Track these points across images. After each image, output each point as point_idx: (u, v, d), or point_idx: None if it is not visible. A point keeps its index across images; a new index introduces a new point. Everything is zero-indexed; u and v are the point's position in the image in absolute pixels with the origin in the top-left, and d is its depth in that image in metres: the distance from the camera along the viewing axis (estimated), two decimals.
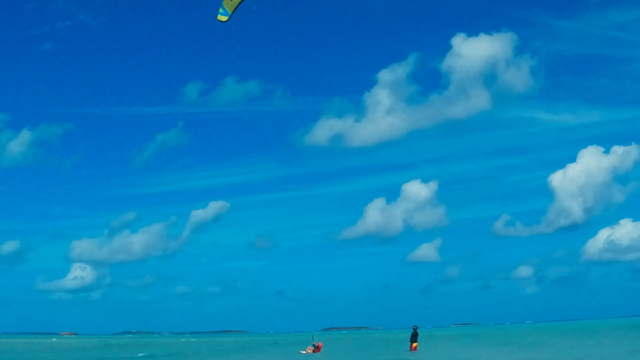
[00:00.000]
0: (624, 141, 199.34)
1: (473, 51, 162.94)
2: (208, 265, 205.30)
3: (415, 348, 49.50)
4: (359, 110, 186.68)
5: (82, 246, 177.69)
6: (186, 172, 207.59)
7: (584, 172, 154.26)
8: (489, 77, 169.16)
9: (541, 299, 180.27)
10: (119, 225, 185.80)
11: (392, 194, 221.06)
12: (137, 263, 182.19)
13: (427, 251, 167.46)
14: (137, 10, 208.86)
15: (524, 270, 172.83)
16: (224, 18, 27.45)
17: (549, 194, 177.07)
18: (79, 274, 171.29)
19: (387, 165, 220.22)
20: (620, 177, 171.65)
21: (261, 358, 53.15)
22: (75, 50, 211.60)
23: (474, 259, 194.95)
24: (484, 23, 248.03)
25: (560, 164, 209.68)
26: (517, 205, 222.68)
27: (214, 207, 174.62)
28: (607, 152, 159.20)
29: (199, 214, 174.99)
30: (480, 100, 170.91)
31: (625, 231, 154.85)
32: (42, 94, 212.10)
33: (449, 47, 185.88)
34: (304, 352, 54.62)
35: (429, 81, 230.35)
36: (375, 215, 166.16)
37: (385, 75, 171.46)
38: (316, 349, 55.04)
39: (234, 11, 27.47)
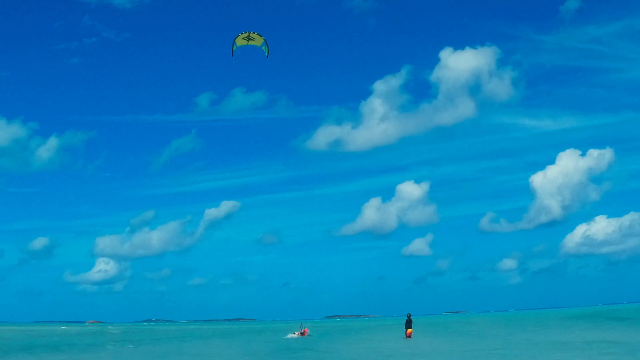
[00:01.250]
0: (599, 145, 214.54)
1: (459, 63, 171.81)
2: (220, 259, 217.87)
3: (410, 334, 51.50)
4: (356, 118, 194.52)
5: (105, 242, 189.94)
6: (200, 175, 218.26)
7: (562, 173, 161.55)
8: (474, 87, 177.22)
9: (523, 289, 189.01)
10: (139, 223, 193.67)
11: (387, 194, 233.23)
12: (155, 257, 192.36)
13: (419, 246, 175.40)
14: (155, 28, 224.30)
15: (508, 263, 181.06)
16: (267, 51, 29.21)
17: (530, 193, 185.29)
18: (103, 268, 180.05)
19: (382, 167, 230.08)
20: (595, 178, 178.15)
21: (241, 342, 56.16)
22: (100, 63, 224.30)
23: (462, 253, 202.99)
24: (469, 38, 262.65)
25: (541, 165, 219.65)
26: (501, 204, 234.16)
27: (226, 206, 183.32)
28: (583, 154, 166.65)
29: (212, 213, 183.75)
30: (466, 108, 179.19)
31: (600, 227, 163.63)
32: (68, 103, 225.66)
33: (437, 60, 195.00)
34: (293, 334, 59.20)
35: (420, 91, 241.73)
36: (372, 213, 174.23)
37: (379, 86, 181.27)
38: (302, 334, 59.62)
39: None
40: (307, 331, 61.42)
